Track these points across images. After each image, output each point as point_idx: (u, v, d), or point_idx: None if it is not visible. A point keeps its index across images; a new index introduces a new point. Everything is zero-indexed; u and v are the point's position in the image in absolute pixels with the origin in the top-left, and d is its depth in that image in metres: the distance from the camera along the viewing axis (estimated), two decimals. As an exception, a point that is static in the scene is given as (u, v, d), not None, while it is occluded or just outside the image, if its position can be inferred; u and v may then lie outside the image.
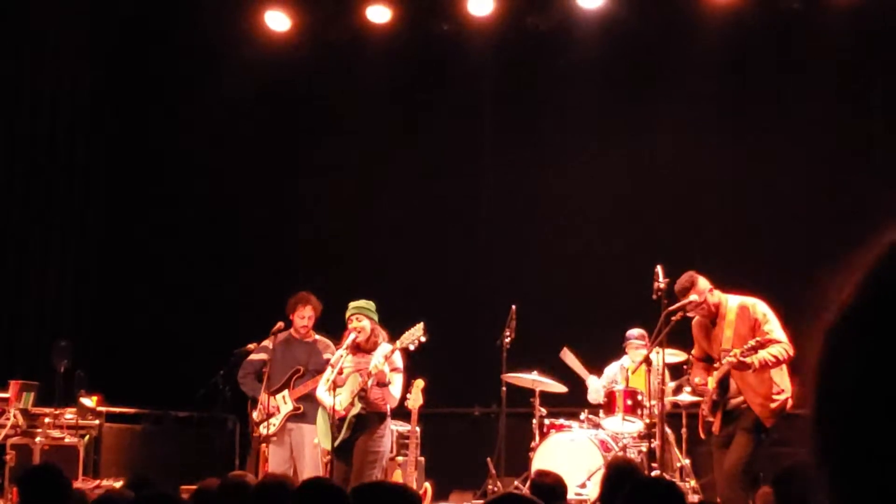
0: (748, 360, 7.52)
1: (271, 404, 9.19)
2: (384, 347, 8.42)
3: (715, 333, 7.86)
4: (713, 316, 7.92)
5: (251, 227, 13.19)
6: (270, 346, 9.37)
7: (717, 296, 7.91)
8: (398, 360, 8.43)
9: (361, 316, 8.47)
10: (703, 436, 8.12)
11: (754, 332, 7.68)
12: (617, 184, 12.21)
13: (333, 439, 8.30)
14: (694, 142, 12.00)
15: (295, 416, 9.23)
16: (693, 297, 7.97)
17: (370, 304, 8.58)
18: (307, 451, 9.16)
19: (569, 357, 9.99)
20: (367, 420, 8.32)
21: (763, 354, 7.55)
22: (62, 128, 12.96)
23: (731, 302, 7.86)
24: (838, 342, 0.92)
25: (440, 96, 13.00)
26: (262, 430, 9.15)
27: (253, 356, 9.49)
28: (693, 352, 8.35)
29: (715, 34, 11.91)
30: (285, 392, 9.29)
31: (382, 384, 8.28)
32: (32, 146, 12.72)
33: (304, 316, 9.44)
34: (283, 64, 13.06)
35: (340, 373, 8.34)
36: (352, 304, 8.59)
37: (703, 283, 7.94)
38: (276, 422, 9.20)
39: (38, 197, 12.73)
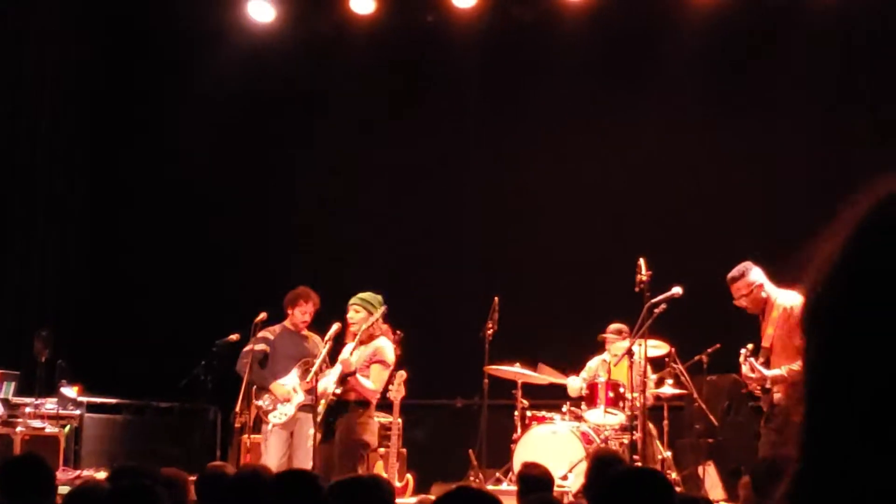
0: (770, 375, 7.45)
1: (284, 392, 9.23)
2: (380, 340, 8.54)
3: (763, 327, 7.70)
4: (760, 311, 7.71)
5: (233, 219, 13.14)
6: (272, 338, 9.43)
7: (768, 291, 7.65)
8: (385, 353, 8.51)
9: (359, 307, 8.61)
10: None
11: (792, 336, 7.48)
12: (601, 175, 12.21)
13: (319, 424, 8.44)
14: (678, 133, 11.99)
15: (304, 407, 9.26)
16: (676, 289, 7.96)
17: (370, 296, 8.66)
18: (307, 442, 9.18)
19: (544, 370, 10.02)
20: (347, 406, 8.44)
21: (783, 370, 7.43)
22: (45, 115, 12.89)
23: (781, 298, 7.58)
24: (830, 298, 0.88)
25: (424, 88, 12.98)
26: (273, 419, 9.18)
27: (255, 346, 9.46)
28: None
29: (700, 24, 11.91)
30: (296, 382, 9.32)
31: (348, 373, 8.40)
32: (15, 134, 12.65)
33: (306, 311, 9.52)
34: (265, 56, 13.02)
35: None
36: (356, 296, 8.69)
37: (753, 275, 7.69)
38: (290, 410, 9.23)
39: (21, 185, 12.66)
